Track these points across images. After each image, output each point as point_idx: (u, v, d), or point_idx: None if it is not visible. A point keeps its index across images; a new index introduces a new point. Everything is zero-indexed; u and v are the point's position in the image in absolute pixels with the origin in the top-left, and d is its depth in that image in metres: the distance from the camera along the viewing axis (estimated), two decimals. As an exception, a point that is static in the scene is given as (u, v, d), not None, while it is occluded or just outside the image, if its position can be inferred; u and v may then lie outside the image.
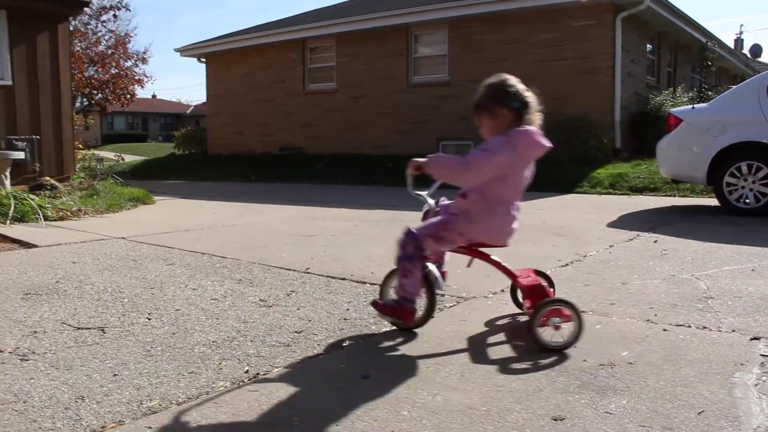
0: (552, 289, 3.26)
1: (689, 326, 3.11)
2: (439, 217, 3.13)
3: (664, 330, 3.06)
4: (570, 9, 13.29)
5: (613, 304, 3.54)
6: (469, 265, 3.30)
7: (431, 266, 3.13)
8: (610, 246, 5.41)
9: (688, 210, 8.09)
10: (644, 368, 2.55)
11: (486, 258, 3.10)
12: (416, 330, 3.13)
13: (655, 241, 5.58)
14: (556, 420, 2.11)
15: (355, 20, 16.22)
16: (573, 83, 13.36)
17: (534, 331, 2.80)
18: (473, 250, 3.11)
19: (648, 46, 15.43)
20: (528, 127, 2.95)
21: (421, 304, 3.12)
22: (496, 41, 14.37)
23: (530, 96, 3.03)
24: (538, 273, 3.26)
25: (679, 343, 2.87)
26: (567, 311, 2.79)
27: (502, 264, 3.07)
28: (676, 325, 3.12)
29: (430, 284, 3.10)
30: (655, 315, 3.31)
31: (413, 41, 15.98)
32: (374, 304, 3.16)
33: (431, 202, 3.31)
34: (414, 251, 2.98)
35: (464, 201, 3.05)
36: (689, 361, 2.63)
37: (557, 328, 2.79)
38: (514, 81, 3.05)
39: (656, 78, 15.99)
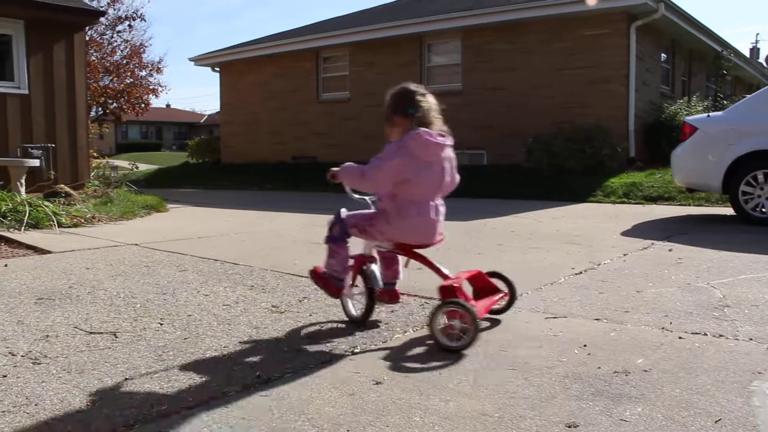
0: (511, 292, 3.35)
1: (705, 334, 3.07)
2: (370, 211, 3.36)
3: (680, 338, 3.02)
4: (584, 18, 13.27)
5: (628, 312, 3.51)
6: (406, 265, 3.48)
7: (373, 266, 3.29)
8: (625, 254, 5.36)
9: (703, 219, 8.02)
10: (660, 376, 2.52)
11: (419, 258, 3.26)
12: (428, 336, 3.11)
13: (670, 250, 5.53)
14: (570, 427, 2.08)
15: (369, 29, 16.25)
16: (587, 92, 13.32)
17: (431, 328, 2.93)
18: (409, 252, 3.28)
19: (662, 55, 15.36)
20: (421, 130, 3.05)
21: (362, 302, 3.33)
22: (509, 50, 14.36)
23: (426, 101, 3.13)
24: (495, 275, 3.35)
25: (695, 351, 2.83)
26: (463, 313, 2.85)
27: (435, 264, 3.22)
28: (692, 333, 3.08)
29: (368, 282, 3.22)
30: (671, 323, 3.27)
31: (427, 50, 16.00)
32: (313, 270, 3.43)
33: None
34: (340, 234, 3.29)
35: (381, 203, 3.25)
36: (705, 369, 2.59)
37: (452, 329, 2.88)
38: (412, 88, 3.17)
39: (671, 87, 15.90)
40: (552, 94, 13.68)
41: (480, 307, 3.05)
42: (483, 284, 3.29)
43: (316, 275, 3.42)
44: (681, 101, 14.45)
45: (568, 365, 2.66)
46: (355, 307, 3.41)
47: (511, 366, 2.68)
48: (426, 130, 3.07)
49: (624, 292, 4.00)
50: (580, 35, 13.44)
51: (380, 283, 3.28)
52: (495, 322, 3.35)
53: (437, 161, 3.14)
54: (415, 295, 3.84)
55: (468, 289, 3.23)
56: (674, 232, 6.63)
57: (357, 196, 3.45)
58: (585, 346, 2.91)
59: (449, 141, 3.16)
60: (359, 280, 3.35)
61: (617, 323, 3.29)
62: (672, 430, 2.05)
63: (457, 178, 3.34)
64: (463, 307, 2.86)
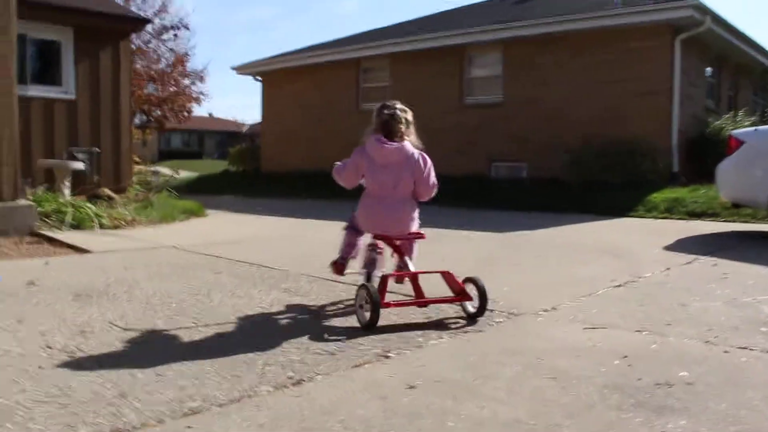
0: (480, 297, 3.46)
1: (753, 349, 2.95)
2: None
3: (725, 352, 2.91)
4: (627, 30, 13.06)
5: (670, 325, 3.40)
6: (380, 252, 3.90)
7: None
8: (667, 268, 5.22)
9: (749, 235, 7.80)
10: (704, 389, 2.42)
11: (395, 248, 3.74)
12: (464, 343, 3.06)
13: (715, 265, 5.37)
14: (609, 437, 2.01)
15: (410, 41, 16.26)
16: (629, 106, 13.09)
17: (355, 309, 3.44)
18: (388, 241, 3.75)
19: (708, 68, 15.05)
20: (376, 135, 3.68)
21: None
22: (550, 63, 14.20)
23: (386, 113, 3.71)
24: (470, 281, 3.53)
25: (741, 365, 2.72)
26: (366, 295, 3.30)
27: (405, 258, 3.70)
28: (738, 348, 2.97)
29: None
30: (715, 337, 3.16)
31: (467, 62, 15.93)
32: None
33: None
34: (351, 223, 3.99)
35: None
36: (754, 384, 2.48)
37: (362, 307, 3.34)
38: (383, 103, 3.82)
39: (716, 101, 15.57)
40: (593, 107, 13.49)
41: (424, 298, 3.56)
42: (451, 284, 3.58)
43: (332, 262, 4.11)
44: (727, 116, 14.12)
45: (608, 375, 2.58)
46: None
47: (548, 375, 2.61)
48: (379, 136, 3.66)
49: (666, 305, 3.88)
50: (623, 48, 13.23)
51: (373, 266, 3.82)
52: (532, 332, 3.28)
53: (393, 163, 3.66)
54: (445, 300, 3.78)
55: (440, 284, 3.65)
56: (719, 248, 6.45)
57: None
58: (625, 357, 2.82)
59: (404, 147, 3.67)
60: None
61: (659, 335, 3.19)
62: (717, 444, 1.97)
63: (431, 183, 3.77)
64: (367, 290, 3.30)
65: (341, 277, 4.09)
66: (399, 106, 3.77)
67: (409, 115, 3.80)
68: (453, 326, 3.41)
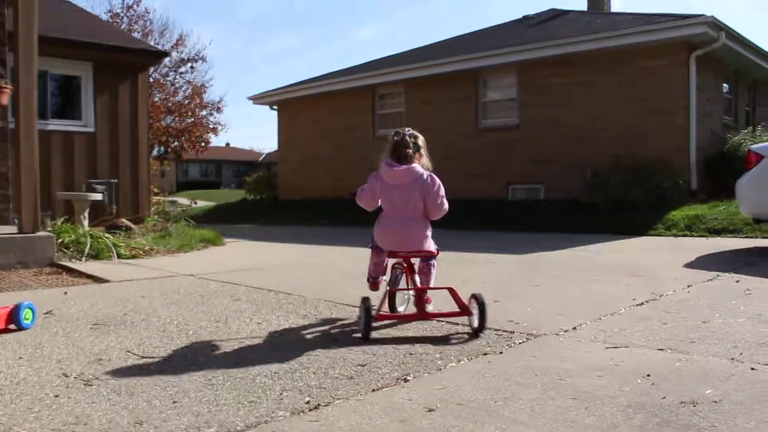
0: (480, 312, 3.55)
1: (780, 366, 2.88)
2: None
3: (752, 369, 2.84)
4: (642, 49, 13.07)
5: (694, 342, 3.33)
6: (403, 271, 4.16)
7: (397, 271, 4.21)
8: (689, 286, 5.15)
9: (772, 251, 7.67)
10: (731, 407, 2.36)
11: (407, 264, 3.99)
12: (483, 365, 3.02)
13: (737, 281, 5.29)
14: (634, 458, 1.96)
15: (424, 66, 16.35)
16: (646, 124, 13.05)
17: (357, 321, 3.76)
18: (404, 258, 3.96)
19: (725, 85, 14.96)
20: (386, 159, 3.95)
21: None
22: (566, 83, 14.22)
23: (394, 140, 3.97)
24: (474, 297, 3.64)
25: (769, 382, 2.65)
26: (361, 307, 3.57)
27: (415, 277, 3.96)
28: (765, 365, 2.90)
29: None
30: (741, 354, 3.09)
31: (482, 86, 15.97)
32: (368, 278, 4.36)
33: None
34: (373, 243, 4.13)
35: None
36: (782, 401, 2.42)
37: (361, 319, 3.59)
38: (399, 130, 4.06)
39: (734, 117, 15.46)
40: (610, 126, 13.46)
41: (425, 312, 3.85)
42: (456, 300, 3.73)
43: (366, 280, 4.35)
44: (745, 131, 14.01)
45: (631, 395, 2.52)
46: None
47: (570, 395, 2.56)
48: (388, 160, 3.92)
49: (689, 322, 3.82)
50: (639, 67, 13.22)
51: (396, 283, 4.15)
52: (553, 352, 3.23)
53: (403, 184, 3.88)
54: (463, 324, 3.74)
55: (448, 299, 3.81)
56: (741, 264, 6.35)
57: None
58: (648, 375, 2.76)
59: (412, 169, 3.87)
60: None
61: (682, 353, 3.13)
62: (746, 463, 1.90)
63: (440, 202, 3.91)
64: (363, 303, 3.54)
65: (375, 293, 4.20)
66: (409, 131, 4.01)
67: (419, 140, 4.01)
68: (455, 341, 3.48)
